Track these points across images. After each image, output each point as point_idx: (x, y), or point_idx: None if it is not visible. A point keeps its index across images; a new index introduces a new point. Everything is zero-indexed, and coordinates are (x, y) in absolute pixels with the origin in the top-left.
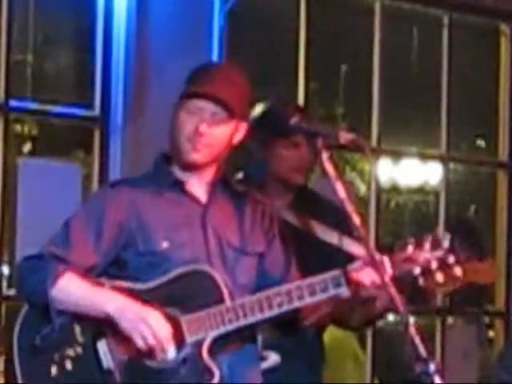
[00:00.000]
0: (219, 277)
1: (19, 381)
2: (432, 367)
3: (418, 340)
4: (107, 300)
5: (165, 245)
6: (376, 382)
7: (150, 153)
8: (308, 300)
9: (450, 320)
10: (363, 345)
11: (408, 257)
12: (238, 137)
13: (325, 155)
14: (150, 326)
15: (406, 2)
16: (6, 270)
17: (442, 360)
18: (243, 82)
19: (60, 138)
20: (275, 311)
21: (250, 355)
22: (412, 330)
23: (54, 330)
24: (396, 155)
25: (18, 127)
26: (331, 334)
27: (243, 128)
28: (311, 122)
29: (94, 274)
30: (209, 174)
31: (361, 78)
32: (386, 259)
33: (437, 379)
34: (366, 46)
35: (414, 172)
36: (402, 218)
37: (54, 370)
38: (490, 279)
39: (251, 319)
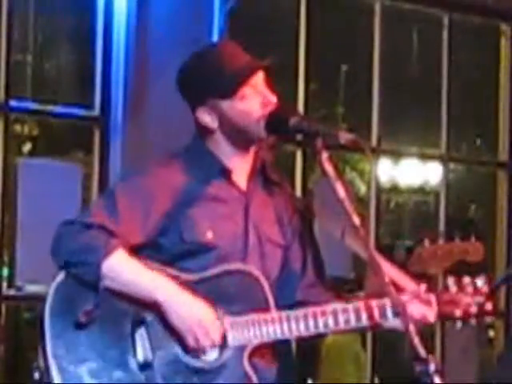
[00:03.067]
0: (265, 282)
1: (49, 359)
2: (432, 367)
3: (417, 340)
4: (158, 287)
5: (209, 236)
6: (376, 382)
7: (150, 153)
8: (353, 325)
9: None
10: (363, 345)
11: (452, 299)
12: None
13: (324, 155)
14: (204, 328)
15: (405, 2)
16: (5, 270)
17: (441, 360)
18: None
19: (60, 138)
20: (320, 330)
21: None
22: (412, 330)
23: (98, 305)
24: (396, 155)
25: (18, 127)
26: (333, 335)
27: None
28: (311, 122)
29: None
30: (252, 158)
31: (361, 78)
32: (433, 298)
33: (437, 379)
34: (366, 46)
35: (414, 172)
36: (402, 218)
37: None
38: (479, 257)
39: (295, 334)
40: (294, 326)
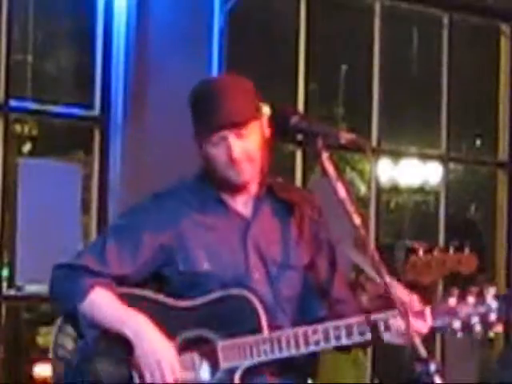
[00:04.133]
0: (258, 304)
1: None
2: (432, 367)
3: (418, 340)
4: (126, 322)
5: (206, 266)
6: (376, 382)
7: (150, 153)
8: (344, 341)
9: None
10: None
11: (449, 310)
12: (267, 130)
13: (325, 155)
14: (161, 369)
15: (405, 2)
16: (5, 270)
17: (441, 360)
18: (244, 85)
19: (60, 138)
20: (311, 349)
21: None
22: (412, 330)
23: (88, 343)
24: (396, 155)
25: (18, 127)
26: None
27: (264, 118)
28: (311, 121)
29: (127, 284)
30: (253, 188)
31: (361, 78)
32: (427, 310)
33: (437, 379)
34: (365, 45)
35: (414, 172)
36: (402, 218)
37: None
38: (472, 269)
39: (286, 353)
40: (284, 345)
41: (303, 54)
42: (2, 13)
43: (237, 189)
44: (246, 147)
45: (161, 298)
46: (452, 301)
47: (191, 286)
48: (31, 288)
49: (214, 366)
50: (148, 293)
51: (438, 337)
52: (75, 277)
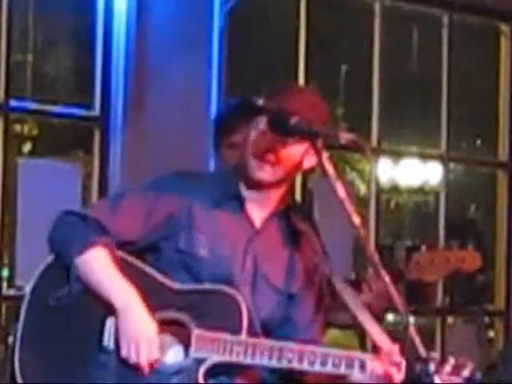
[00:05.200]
0: (245, 307)
1: (18, 332)
2: (432, 367)
3: (417, 340)
4: (118, 293)
5: (203, 252)
6: None
7: (150, 153)
8: (317, 368)
9: (450, 320)
10: (363, 345)
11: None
12: (309, 162)
13: (325, 155)
14: (138, 350)
15: (406, 2)
16: (5, 270)
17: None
18: (322, 104)
19: (60, 138)
20: (282, 365)
21: None
22: (412, 330)
23: (71, 294)
24: (396, 155)
25: (18, 127)
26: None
27: (314, 153)
28: (311, 122)
29: (130, 249)
30: (273, 200)
31: (361, 78)
32: (403, 363)
33: (437, 379)
34: (365, 45)
35: (414, 172)
36: (402, 218)
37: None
38: (475, 266)
39: (257, 361)
40: (258, 353)
41: (303, 54)
42: (2, 13)
43: (252, 185)
44: (286, 149)
45: (153, 272)
46: (430, 366)
47: (182, 267)
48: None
49: (184, 352)
50: (142, 264)
51: (438, 336)
52: (83, 227)
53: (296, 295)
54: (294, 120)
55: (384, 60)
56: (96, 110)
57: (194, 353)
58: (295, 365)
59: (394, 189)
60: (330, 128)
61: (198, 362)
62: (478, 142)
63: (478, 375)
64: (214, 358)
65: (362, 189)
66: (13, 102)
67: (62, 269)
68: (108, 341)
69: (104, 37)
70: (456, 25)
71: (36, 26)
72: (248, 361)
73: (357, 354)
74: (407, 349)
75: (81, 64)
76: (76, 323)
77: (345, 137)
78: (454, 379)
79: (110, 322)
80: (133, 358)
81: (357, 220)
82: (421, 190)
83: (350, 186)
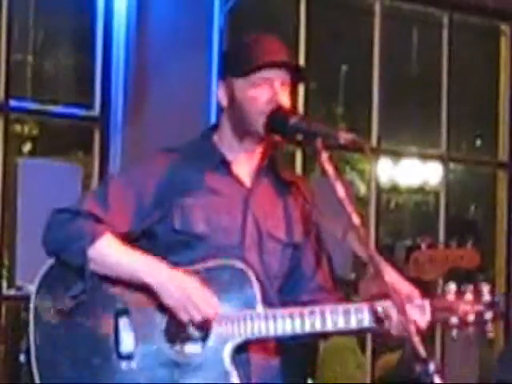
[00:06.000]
0: (254, 278)
1: (32, 347)
2: (432, 367)
3: (417, 340)
4: (146, 267)
5: (202, 227)
6: (376, 382)
7: (150, 153)
8: (341, 326)
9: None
10: (363, 345)
11: (448, 306)
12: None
13: (324, 155)
14: (196, 305)
15: (406, 2)
16: (5, 270)
17: (441, 360)
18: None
19: (60, 138)
20: (306, 330)
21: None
22: (412, 330)
23: (86, 291)
24: (396, 155)
25: (18, 127)
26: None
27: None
28: (311, 122)
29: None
30: (257, 155)
31: (361, 78)
32: (426, 304)
33: (436, 379)
34: (366, 46)
35: (414, 172)
36: (402, 218)
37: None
38: (474, 264)
39: (280, 332)
40: (279, 324)
41: (303, 54)
42: (2, 13)
43: (257, 141)
44: (285, 100)
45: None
46: (450, 297)
47: (183, 246)
48: (31, 288)
49: (205, 337)
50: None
51: (437, 337)
52: (81, 221)
53: (299, 244)
54: (293, 120)
55: (384, 60)
56: (96, 110)
57: (215, 337)
58: (319, 328)
59: (394, 189)
60: (330, 128)
61: (221, 345)
62: (478, 141)
63: (499, 296)
64: (237, 339)
65: (362, 189)
66: (13, 102)
67: (64, 271)
68: (126, 345)
69: (104, 37)
70: (456, 25)
71: (36, 26)
72: (272, 334)
73: (379, 303)
74: (407, 349)
75: (81, 64)
76: (90, 325)
77: (344, 137)
78: (478, 307)
79: (122, 326)
80: (196, 317)
81: (356, 220)
82: (421, 190)
83: (349, 186)
